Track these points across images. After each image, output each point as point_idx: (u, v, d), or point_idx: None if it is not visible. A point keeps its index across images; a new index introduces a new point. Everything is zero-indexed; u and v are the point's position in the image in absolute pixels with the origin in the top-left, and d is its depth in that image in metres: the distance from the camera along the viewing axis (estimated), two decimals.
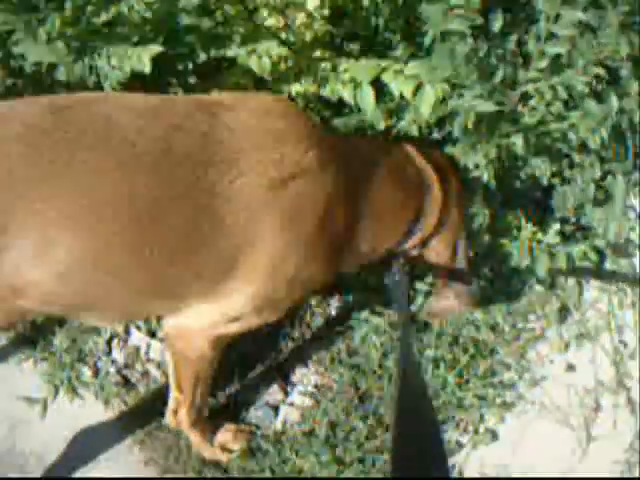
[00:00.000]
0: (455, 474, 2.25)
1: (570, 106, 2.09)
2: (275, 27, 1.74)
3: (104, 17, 1.58)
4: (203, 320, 1.79)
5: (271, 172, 1.63)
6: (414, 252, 2.02)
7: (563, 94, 2.02)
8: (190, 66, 1.78)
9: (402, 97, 1.65)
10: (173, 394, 2.13)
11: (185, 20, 1.76)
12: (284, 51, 1.68)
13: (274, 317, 1.86)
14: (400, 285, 1.91)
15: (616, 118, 2.04)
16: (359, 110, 1.83)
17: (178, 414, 2.16)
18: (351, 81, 1.67)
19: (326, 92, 1.75)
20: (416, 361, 1.22)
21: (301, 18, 1.80)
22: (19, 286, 1.56)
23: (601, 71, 1.94)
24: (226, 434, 2.25)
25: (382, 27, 2.08)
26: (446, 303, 2.07)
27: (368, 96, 1.65)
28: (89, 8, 1.54)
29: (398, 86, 1.60)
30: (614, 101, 2.02)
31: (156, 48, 1.60)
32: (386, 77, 1.61)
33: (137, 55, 1.58)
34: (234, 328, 1.82)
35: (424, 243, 2.01)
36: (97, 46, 1.62)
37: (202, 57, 1.75)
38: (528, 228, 2.21)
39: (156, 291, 1.70)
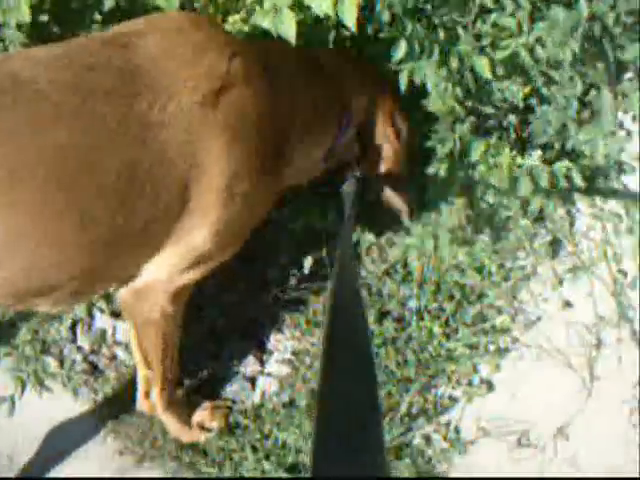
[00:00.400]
0: (451, 432, 2.09)
1: (535, 17, 1.89)
2: None
3: None
4: (160, 272, 1.64)
5: (202, 87, 1.53)
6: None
7: (525, 3, 1.82)
8: (98, 16, 1.59)
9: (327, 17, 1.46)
10: (141, 373, 1.99)
11: None
12: None
13: (236, 247, 1.73)
14: (350, 193, 1.86)
15: (587, 25, 1.84)
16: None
17: (151, 396, 2.01)
18: (272, 9, 1.48)
19: (248, 27, 1.56)
20: (354, 259, 1.22)
21: None
22: None
23: None
24: (202, 413, 2.10)
25: None
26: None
27: (288, 22, 1.46)
28: None
29: (317, 3, 1.40)
30: (583, 6, 1.82)
31: None
32: None
33: (16, 5, 1.40)
34: (195, 273, 1.68)
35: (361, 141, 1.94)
36: None
37: (108, 4, 1.57)
38: (506, 152, 2.01)
39: (106, 252, 1.54)
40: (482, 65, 1.81)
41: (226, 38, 1.65)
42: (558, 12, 1.83)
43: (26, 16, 1.42)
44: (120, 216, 1.49)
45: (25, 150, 1.41)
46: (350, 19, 1.43)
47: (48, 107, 1.43)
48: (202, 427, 2.10)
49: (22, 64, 1.46)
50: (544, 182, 1.96)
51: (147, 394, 2.03)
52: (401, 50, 1.68)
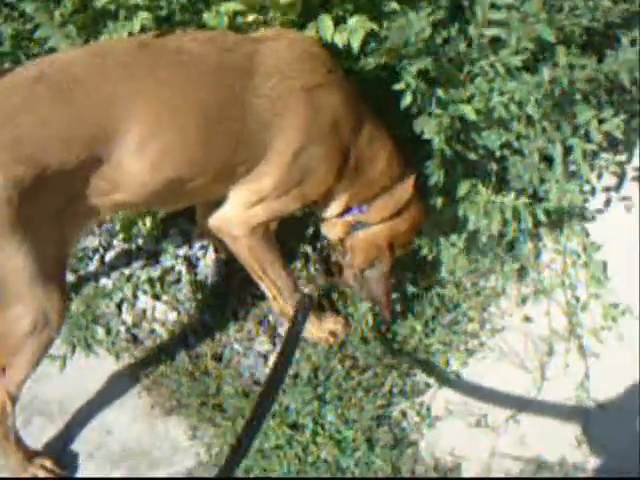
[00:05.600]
0: (423, 410, 2.55)
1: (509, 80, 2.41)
2: None
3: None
4: (236, 206, 2.23)
5: (305, 79, 2.13)
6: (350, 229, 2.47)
7: (501, 70, 2.34)
8: None
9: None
10: (260, 284, 2.46)
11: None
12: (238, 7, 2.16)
13: (289, 206, 2.26)
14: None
15: (549, 87, 2.36)
16: None
17: (277, 301, 2.48)
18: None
19: None
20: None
21: None
22: (119, 180, 1.97)
23: (531, 45, 2.26)
24: (334, 321, 2.61)
25: None
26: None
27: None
28: None
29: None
30: (545, 71, 2.33)
31: (143, 14, 2.02)
32: None
33: (130, 25, 1.97)
34: (262, 211, 2.24)
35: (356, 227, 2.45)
36: (100, 29, 2.01)
37: None
38: (484, 193, 2.52)
39: (217, 176, 2.14)
40: (469, 110, 2.33)
41: (332, 57, 2.23)
42: (525, 76, 2.35)
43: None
44: (231, 154, 2.09)
45: (181, 97, 2.00)
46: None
47: (197, 72, 2.02)
48: (333, 334, 2.59)
49: (185, 41, 2.05)
50: (509, 214, 2.47)
51: (274, 298, 2.47)
52: (406, 101, 2.23)
